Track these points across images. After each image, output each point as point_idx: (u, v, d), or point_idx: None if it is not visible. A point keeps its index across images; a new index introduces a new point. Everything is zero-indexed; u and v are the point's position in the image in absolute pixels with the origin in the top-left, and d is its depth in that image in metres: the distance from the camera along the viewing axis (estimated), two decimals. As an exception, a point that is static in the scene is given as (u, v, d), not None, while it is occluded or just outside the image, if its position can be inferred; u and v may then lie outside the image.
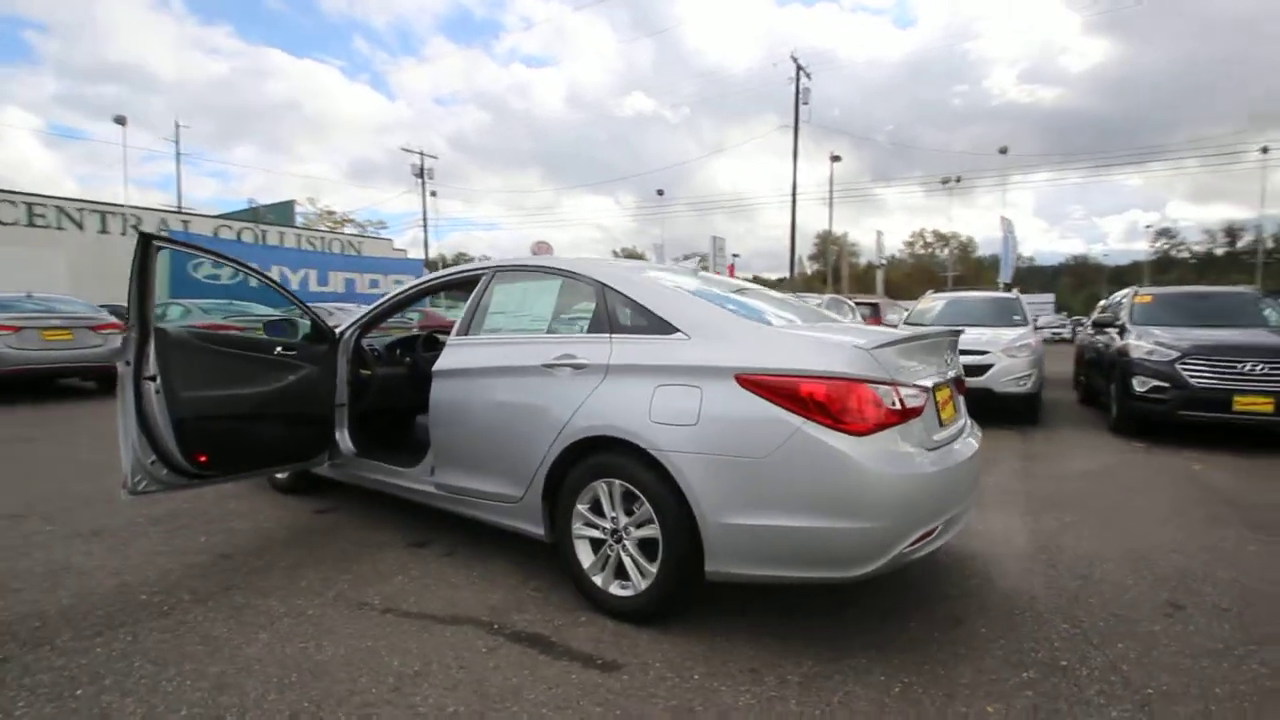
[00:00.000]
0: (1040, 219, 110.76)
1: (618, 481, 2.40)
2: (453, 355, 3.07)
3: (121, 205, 24.28)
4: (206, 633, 2.32)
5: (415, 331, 4.71)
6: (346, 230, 39.75)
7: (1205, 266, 53.28)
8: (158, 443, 2.78)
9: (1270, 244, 46.01)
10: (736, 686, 1.99)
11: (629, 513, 2.40)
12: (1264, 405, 5.29)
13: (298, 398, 3.35)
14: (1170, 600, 2.60)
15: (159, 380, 2.75)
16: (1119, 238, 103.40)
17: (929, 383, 2.35)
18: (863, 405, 2.04)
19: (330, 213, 46.31)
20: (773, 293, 3.51)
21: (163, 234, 2.94)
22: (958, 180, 37.61)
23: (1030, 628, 2.37)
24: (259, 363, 3.23)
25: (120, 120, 24.89)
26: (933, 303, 8.81)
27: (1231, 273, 44.46)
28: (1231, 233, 57.22)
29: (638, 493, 2.33)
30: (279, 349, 3.35)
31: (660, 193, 40.43)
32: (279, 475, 4.00)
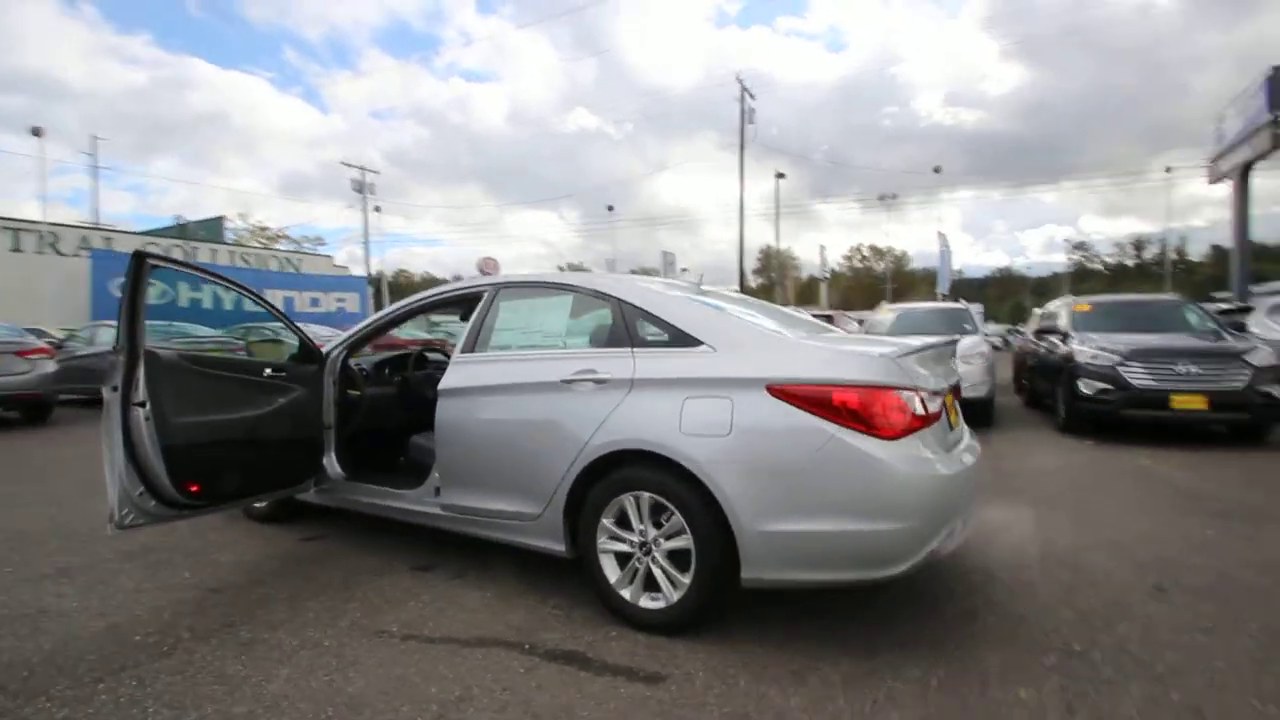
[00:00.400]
0: (966, 234, 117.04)
1: (646, 494, 2.41)
2: (459, 373, 3.02)
3: (37, 222, 22.67)
4: (220, 671, 2.19)
5: (406, 350, 4.60)
6: (280, 247, 38.26)
7: (1117, 277, 57.39)
8: (146, 473, 2.62)
9: (1174, 255, 50.04)
10: (784, 690, 2.02)
11: (657, 525, 2.42)
12: (1199, 403, 5.75)
13: (288, 421, 3.22)
14: (1155, 585, 2.79)
15: (149, 406, 2.60)
16: (1038, 251, 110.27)
17: (942, 388, 2.47)
18: (893, 411, 2.13)
19: (263, 228, 44.48)
20: (773, 305, 3.61)
21: (157, 252, 2.78)
22: (894, 197, 39.41)
23: (1038, 617, 2.51)
24: (250, 385, 3.10)
25: (37, 132, 23.38)
26: (888, 314, 9.19)
27: (1141, 282, 48.00)
28: (1139, 245, 62.05)
29: (668, 504, 2.35)
30: (268, 370, 3.22)
31: (610, 208, 40.76)
32: (257, 504, 3.82)
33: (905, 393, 2.17)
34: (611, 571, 2.52)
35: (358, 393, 3.76)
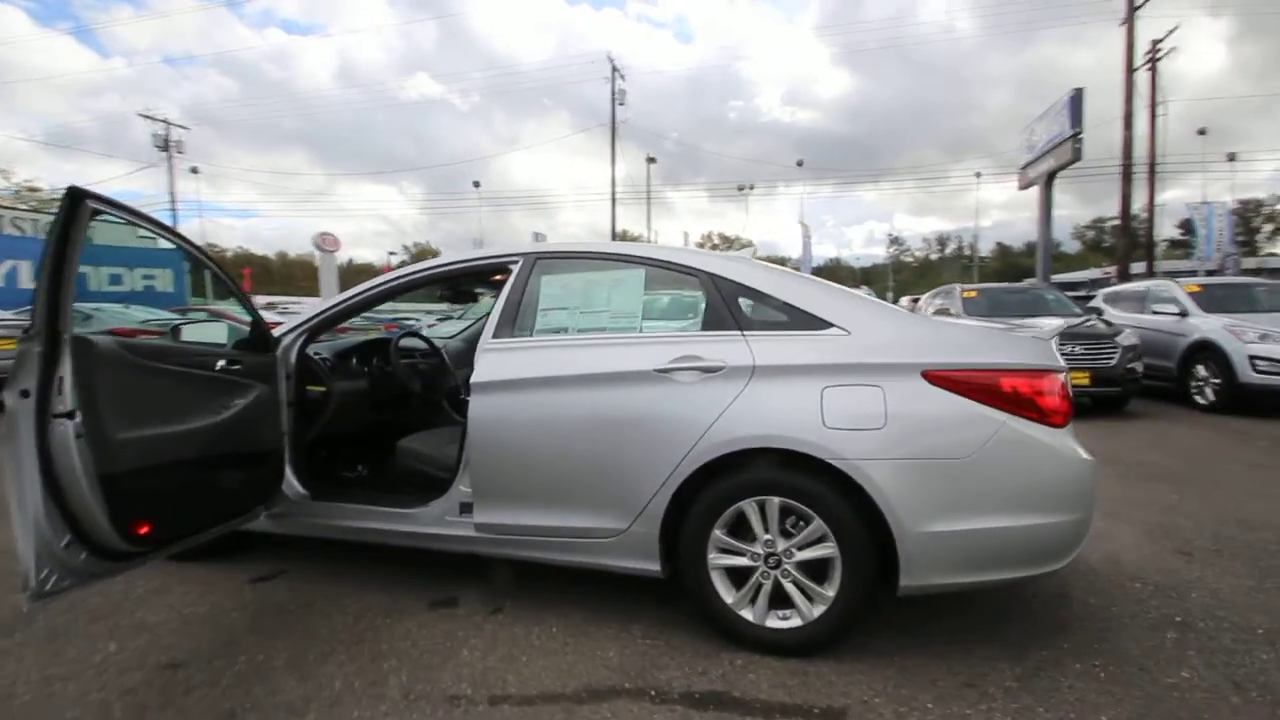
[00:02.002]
0: (801, 225, 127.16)
1: (776, 499, 2.10)
2: (497, 363, 2.47)
3: None
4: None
5: (381, 334, 3.80)
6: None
7: (925, 270, 65.53)
8: (75, 515, 1.82)
9: (968, 251, 58.29)
10: (977, 706, 1.84)
11: (786, 534, 2.12)
12: (1082, 379, 6.55)
13: (249, 428, 2.47)
14: (1179, 550, 3.02)
15: (80, 419, 1.80)
16: (861, 244, 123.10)
17: None
18: (1060, 397, 2.02)
19: (32, 189, 36.24)
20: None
21: (101, 194, 1.89)
22: (752, 188, 41.47)
23: (1119, 594, 2.57)
24: (204, 383, 2.31)
25: None
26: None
27: (943, 274, 55.17)
28: (942, 241, 71.47)
29: (804, 509, 2.07)
30: (221, 363, 2.43)
31: (477, 184, 38.43)
32: None
33: (1064, 376, 2.07)
34: (725, 590, 2.19)
35: (321, 389, 3.00)
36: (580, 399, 2.33)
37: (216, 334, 2.82)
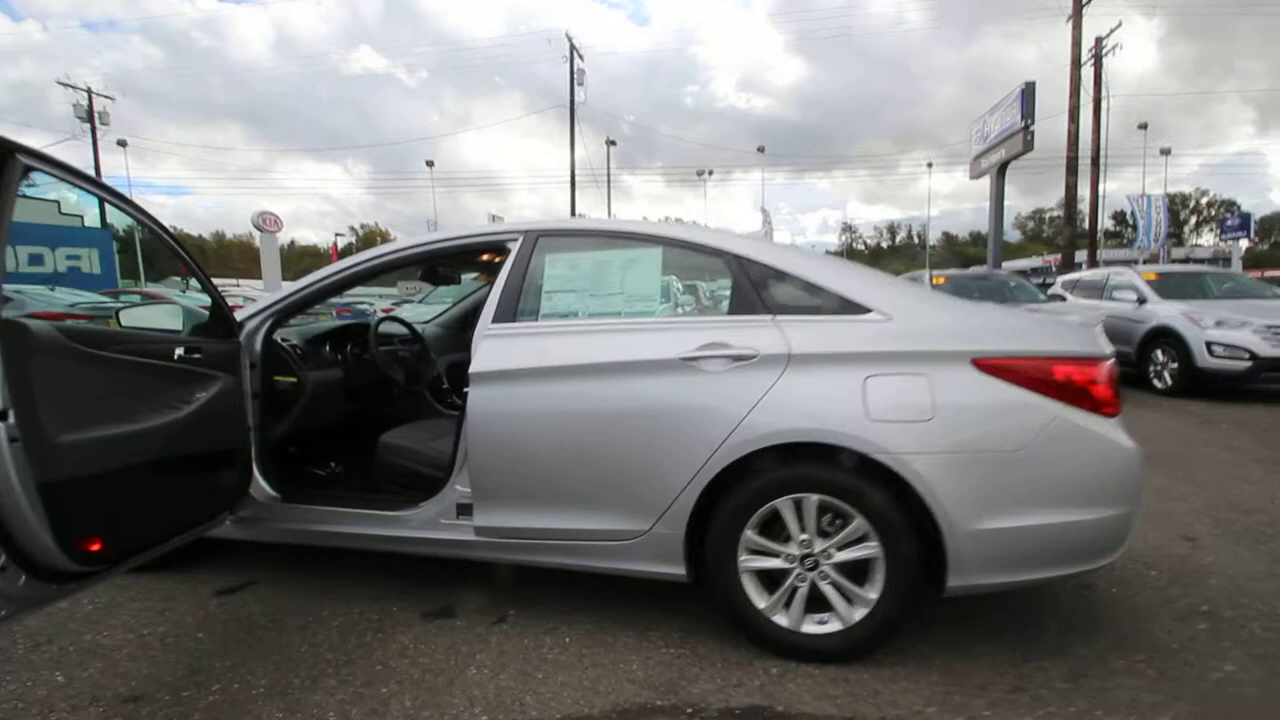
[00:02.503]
0: (758, 212, 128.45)
1: (814, 497, 1.95)
2: (498, 351, 2.23)
3: None
4: None
5: (334, 319, 3.48)
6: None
7: (877, 256, 67.09)
8: (11, 533, 1.53)
9: (916, 239, 59.92)
10: (1034, 712, 1.74)
11: (824, 533, 1.98)
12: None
13: (212, 424, 2.17)
14: (1183, 536, 3.02)
15: (14, 418, 1.50)
16: (815, 231, 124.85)
17: None
18: (1113, 386, 1.92)
19: (-67, 161, 33.15)
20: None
21: (36, 149, 1.55)
22: (710, 173, 41.37)
23: (1140, 584, 2.54)
24: (161, 375, 2.00)
25: None
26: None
27: (894, 262, 56.56)
28: (892, 230, 73.32)
29: (844, 507, 1.93)
30: (179, 351, 2.12)
31: (430, 164, 37.04)
32: None
33: (1113, 364, 1.98)
34: (757, 594, 2.03)
35: (291, 379, 2.71)
36: (595, 390, 2.12)
37: (168, 319, 2.50)
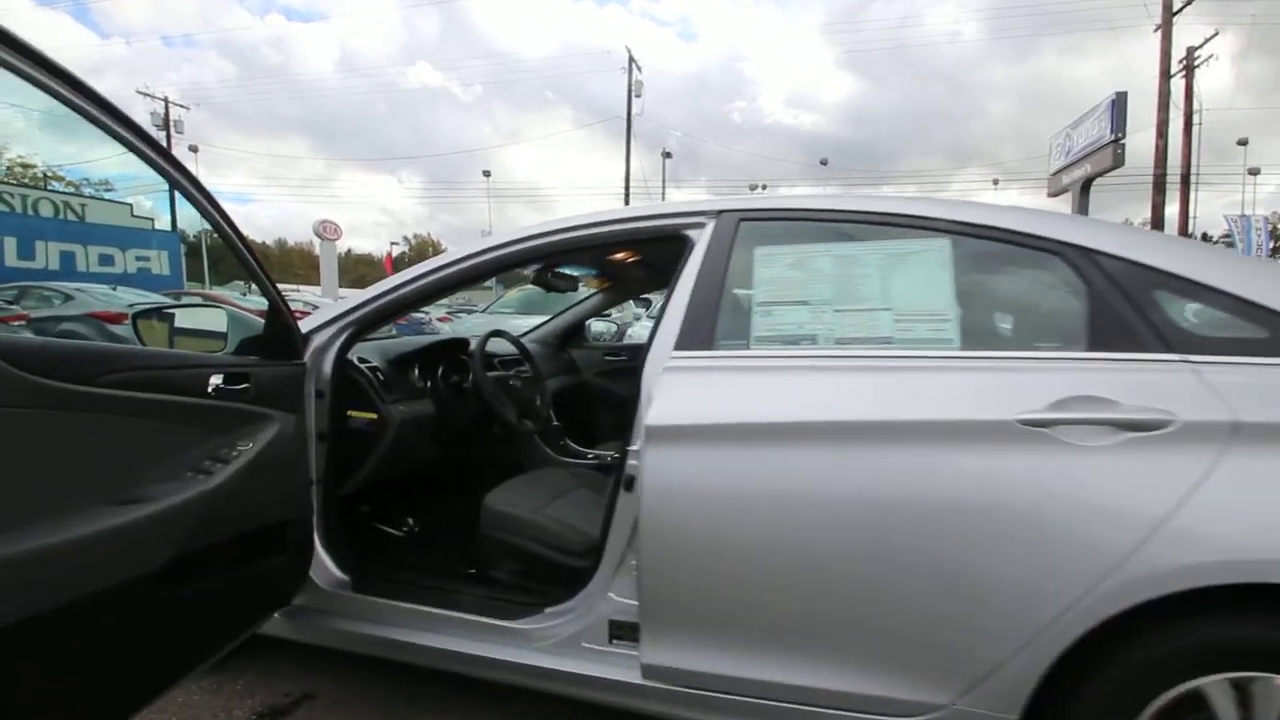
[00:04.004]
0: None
1: (1278, 678, 1.09)
2: (694, 392, 1.46)
3: None
4: None
5: (450, 334, 2.78)
6: (55, 188, 30.25)
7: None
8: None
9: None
10: None
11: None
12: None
13: (257, 491, 1.44)
14: None
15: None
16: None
17: None
18: None
19: (26, 165, 34.89)
20: None
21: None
22: (764, 187, 40.60)
23: None
24: (183, 418, 1.28)
25: None
26: None
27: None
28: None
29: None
30: (215, 382, 1.40)
31: (487, 174, 37.42)
32: None
33: None
34: None
35: (370, 415, 1.98)
36: (856, 464, 1.31)
37: (211, 322, 1.77)
